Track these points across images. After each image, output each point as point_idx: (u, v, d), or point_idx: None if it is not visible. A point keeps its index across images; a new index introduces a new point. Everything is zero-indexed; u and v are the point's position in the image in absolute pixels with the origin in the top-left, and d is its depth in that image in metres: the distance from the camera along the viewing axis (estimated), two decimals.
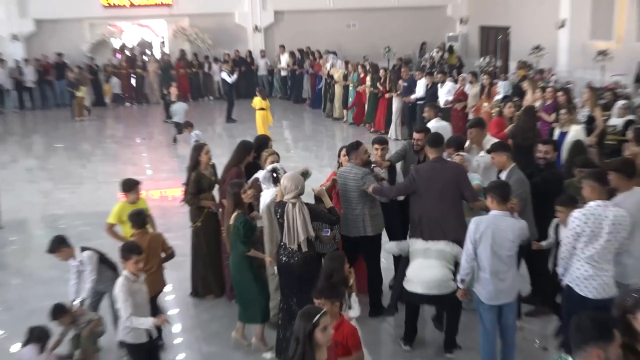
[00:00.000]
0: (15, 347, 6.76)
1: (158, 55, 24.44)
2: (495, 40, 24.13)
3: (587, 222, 5.36)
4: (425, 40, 25.14)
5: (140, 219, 6.75)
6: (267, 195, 6.92)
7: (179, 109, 16.89)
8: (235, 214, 6.57)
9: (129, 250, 5.48)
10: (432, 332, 7.01)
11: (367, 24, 25.15)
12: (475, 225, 5.71)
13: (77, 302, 6.37)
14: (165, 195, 12.48)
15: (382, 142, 7.93)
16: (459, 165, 7.06)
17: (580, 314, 3.58)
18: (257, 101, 15.86)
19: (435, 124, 10.33)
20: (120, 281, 5.42)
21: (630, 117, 10.47)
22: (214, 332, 7.22)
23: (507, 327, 5.90)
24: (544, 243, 6.44)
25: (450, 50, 24.13)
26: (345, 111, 19.14)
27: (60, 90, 22.32)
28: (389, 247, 7.13)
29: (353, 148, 7.38)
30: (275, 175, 6.97)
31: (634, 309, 3.78)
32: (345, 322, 4.80)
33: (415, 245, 6.58)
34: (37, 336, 6.20)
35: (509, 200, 5.78)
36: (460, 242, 6.33)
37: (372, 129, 17.34)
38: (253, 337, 6.74)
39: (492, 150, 7.26)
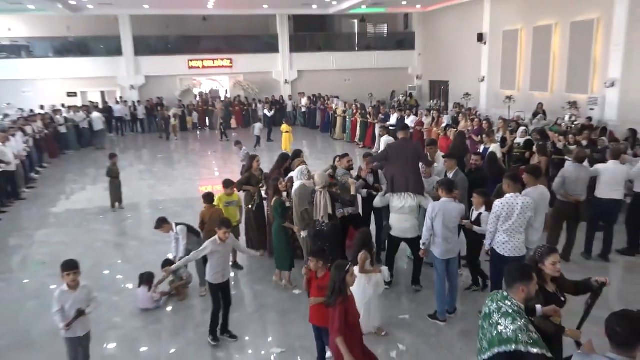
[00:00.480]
0: (133, 287, 6.89)
1: (223, 98, 24.52)
2: (439, 89, 24.27)
3: (504, 207, 5.43)
4: (394, 89, 25.42)
5: (209, 198, 6.97)
6: (296, 186, 6.93)
7: (256, 127, 18.27)
8: (275, 198, 6.74)
9: (221, 223, 5.40)
10: (405, 283, 6.98)
11: (357, 78, 25.30)
12: (432, 207, 5.75)
13: (176, 258, 6.38)
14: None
15: (367, 155, 8.08)
16: (417, 143, 6.92)
17: (509, 264, 3.65)
18: (284, 127, 16.31)
19: (384, 139, 10.96)
20: (211, 239, 5.39)
21: (528, 137, 10.51)
22: (260, 276, 7.27)
23: (452, 274, 5.92)
24: (476, 228, 6.12)
25: (410, 95, 24.30)
26: (343, 134, 19.36)
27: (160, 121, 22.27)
28: (375, 202, 6.97)
29: (340, 157, 7.75)
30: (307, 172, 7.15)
31: (542, 259, 3.83)
32: (327, 274, 4.44)
33: (393, 202, 6.55)
34: (146, 279, 6.45)
35: (453, 191, 5.84)
36: (414, 192, 6.49)
37: (361, 146, 17.50)
38: (284, 280, 6.87)
39: (446, 157, 7.31)
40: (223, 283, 5.52)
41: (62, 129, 18.31)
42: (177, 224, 6.54)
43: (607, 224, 7.57)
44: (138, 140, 21.33)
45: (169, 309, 6.48)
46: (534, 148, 9.47)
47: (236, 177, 8.32)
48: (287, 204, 6.81)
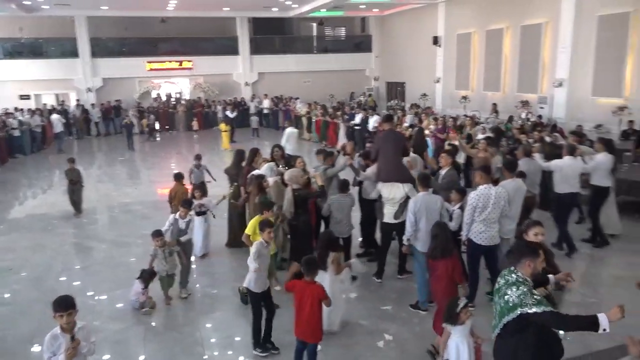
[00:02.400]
0: (109, 287, 6.69)
1: (184, 101, 23.99)
2: (396, 90, 24.69)
3: (480, 198, 5.53)
4: (353, 91, 25.73)
5: (178, 175, 7.89)
6: (271, 180, 6.97)
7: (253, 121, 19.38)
8: (259, 195, 6.51)
9: (265, 224, 5.08)
10: (385, 275, 6.87)
11: (317, 80, 25.32)
12: (414, 203, 5.72)
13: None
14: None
15: (319, 152, 7.80)
16: (402, 134, 7.00)
17: (516, 241, 3.75)
18: (223, 126, 17.12)
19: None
20: (257, 242, 5.02)
21: (488, 134, 10.59)
22: (244, 275, 6.76)
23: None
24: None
25: (370, 96, 24.70)
26: (310, 134, 19.38)
27: (119, 123, 21.60)
28: (367, 193, 7.03)
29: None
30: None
31: (526, 230, 4.10)
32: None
33: (384, 194, 6.52)
34: (146, 275, 6.14)
35: (429, 185, 5.90)
36: (401, 181, 6.50)
37: (324, 144, 17.37)
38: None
39: (444, 153, 7.31)
40: (266, 291, 5.10)
41: (16, 133, 17.45)
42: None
43: (562, 218, 7.66)
44: (97, 144, 20.61)
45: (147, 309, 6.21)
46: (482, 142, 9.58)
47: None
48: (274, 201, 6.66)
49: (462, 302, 4.06)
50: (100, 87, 22.92)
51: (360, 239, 7.74)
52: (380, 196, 6.65)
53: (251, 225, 5.81)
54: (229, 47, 24.73)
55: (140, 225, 9.36)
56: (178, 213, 6.37)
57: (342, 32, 28.65)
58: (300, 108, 20.76)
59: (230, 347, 5.40)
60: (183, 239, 6.33)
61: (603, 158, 7.71)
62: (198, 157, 9.52)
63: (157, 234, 6.15)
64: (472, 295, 5.57)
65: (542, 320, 3.08)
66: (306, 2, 20.34)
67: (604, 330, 2.92)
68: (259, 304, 5.06)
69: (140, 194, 12.16)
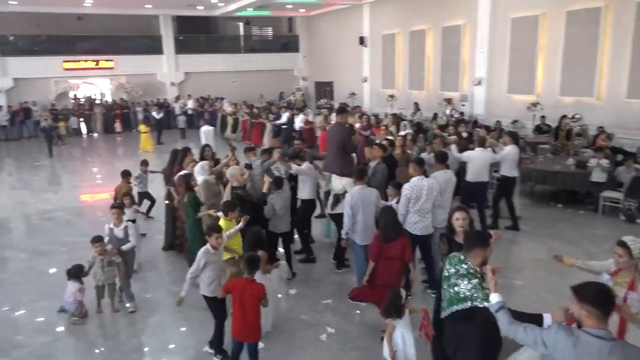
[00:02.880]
0: (31, 299, 6.27)
1: (99, 101, 22.96)
2: (324, 90, 24.88)
3: (413, 190, 5.70)
4: (282, 91, 25.63)
5: (124, 172, 7.63)
6: (200, 179, 6.88)
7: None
8: (188, 194, 6.36)
9: (212, 229, 4.87)
10: (323, 271, 7.08)
11: (245, 80, 24.99)
12: (350, 196, 5.76)
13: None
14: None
15: (248, 150, 7.93)
16: (346, 128, 6.94)
17: (468, 231, 3.85)
18: (142, 127, 16.75)
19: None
20: (202, 249, 4.79)
21: (408, 131, 11.38)
22: (176, 277, 6.74)
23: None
24: None
25: (302, 96, 24.85)
26: (232, 134, 18.78)
27: (31, 126, 20.65)
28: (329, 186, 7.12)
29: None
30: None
31: (451, 214, 4.30)
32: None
33: (335, 188, 6.73)
34: (74, 273, 5.78)
35: (364, 178, 5.95)
36: (339, 174, 6.67)
37: (250, 142, 17.03)
38: None
39: (375, 146, 7.55)
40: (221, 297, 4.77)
41: None
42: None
43: (478, 205, 8.07)
44: (6, 148, 19.18)
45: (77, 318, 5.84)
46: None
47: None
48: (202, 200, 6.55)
49: (403, 293, 4.16)
50: (11, 87, 21.41)
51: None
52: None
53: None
54: (153, 46, 23.91)
55: (64, 233, 8.85)
56: (112, 222, 5.95)
57: (269, 32, 28.58)
58: (226, 108, 20.52)
59: (168, 351, 5.21)
60: (125, 247, 5.91)
61: (511, 149, 8.22)
62: (144, 163, 9.19)
63: (97, 239, 5.74)
64: (408, 284, 5.64)
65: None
66: (232, 0, 20.07)
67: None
68: (215, 307, 4.85)
69: (62, 200, 11.46)
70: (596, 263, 4.02)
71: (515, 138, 8.46)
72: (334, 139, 6.95)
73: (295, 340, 5.27)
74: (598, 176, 8.99)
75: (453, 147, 8.19)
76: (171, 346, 5.29)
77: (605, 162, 9.06)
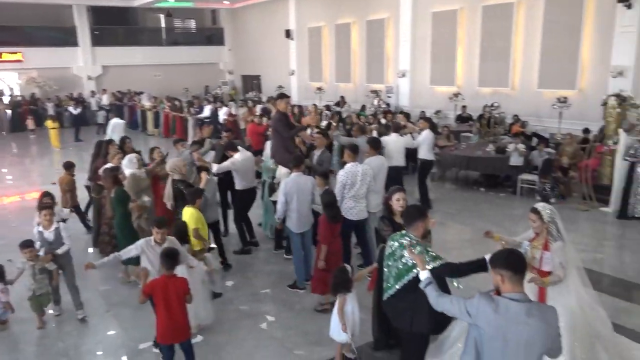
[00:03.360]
0: None
1: (7, 98, 21.23)
2: (251, 83, 24.66)
3: (348, 176, 5.77)
4: (208, 84, 24.98)
5: (67, 164, 7.42)
6: (127, 172, 6.59)
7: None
8: (116, 188, 6.10)
9: (156, 222, 4.67)
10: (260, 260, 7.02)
11: (168, 74, 24.16)
12: (284, 184, 5.76)
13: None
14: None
15: (176, 142, 7.94)
16: (280, 115, 6.90)
17: (407, 206, 3.93)
18: (49, 123, 15.95)
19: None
20: (144, 239, 4.70)
21: (329, 121, 11.26)
22: (103, 276, 6.40)
23: (308, 245, 6.01)
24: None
25: (233, 89, 24.56)
26: (155, 129, 18.53)
27: None
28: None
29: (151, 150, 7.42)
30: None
31: (390, 196, 4.40)
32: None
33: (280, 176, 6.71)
34: None
35: (301, 166, 5.93)
36: (279, 163, 6.74)
37: (174, 137, 16.23)
38: (132, 275, 6.21)
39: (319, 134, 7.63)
40: None
41: None
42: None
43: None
44: None
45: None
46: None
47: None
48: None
49: (348, 267, 4.28)
50: None
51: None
52: None
53: (190, 217, 5.32)
54: (67, 38, 22.49)
55: None
56: (40, 224, 5.31)
57: (192, 24, 27.77)
58: (145, 102, 19.82)
59: (98, 353, 4.93)
60: (61, 250, 5.30)
61: (427, 134, 8.66)
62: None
63: (27, 244, 5.17)
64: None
65: (440, 273, 3.36)
66: None
67: None
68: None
69: None
70: (518, 237, 4.32)
71: (430, 123, 8.89)
72: (274, 126, 6.97)
73: (234, 330, 5.18)
74: (516, 160, 9.58)
75: (374, 134, 8.34)
76: (101, 347, 5.01)
77: (522, 146, 9.66)
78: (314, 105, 14.60)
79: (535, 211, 3.91)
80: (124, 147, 7.79)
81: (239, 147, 7.00)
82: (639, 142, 8.14)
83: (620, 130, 8.46)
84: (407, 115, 10.47)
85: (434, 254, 3.43)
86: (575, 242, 5.96)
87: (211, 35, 26.86)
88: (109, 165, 6.92)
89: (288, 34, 20.85)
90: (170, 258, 4.00)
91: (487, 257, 3.28)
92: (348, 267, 4.32)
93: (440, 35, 14.80)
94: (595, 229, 7.98)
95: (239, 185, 7.01)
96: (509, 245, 4.03)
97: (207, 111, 16.36)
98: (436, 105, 14.87)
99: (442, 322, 3.60)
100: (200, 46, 25.94)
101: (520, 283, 2.65)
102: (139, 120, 20.18)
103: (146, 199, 6.36)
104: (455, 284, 3.69)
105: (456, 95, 14.05)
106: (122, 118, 19.81)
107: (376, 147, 6.57)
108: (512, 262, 2.64)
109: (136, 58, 23.70)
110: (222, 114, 15.66)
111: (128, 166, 6.88)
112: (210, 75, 25.57)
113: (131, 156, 7.19)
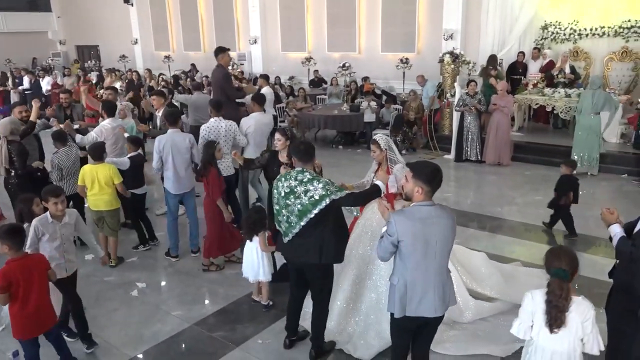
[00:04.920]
0: None
1: None
2: (89, 54, 22.36)
3: (211, 131, 5.79)
4: (36, 56, 21.98)
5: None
6: None
7: None
8: None
9: (46, 192, 3.90)
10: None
11: None
12: (158, 141, 5.28)
13: None
14: None
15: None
16: (224, 72, 6.89)
17: (296, 142, 4.28)
18: None
19: None
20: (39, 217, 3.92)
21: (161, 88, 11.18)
22: None
23: (190, 209, 5.61)
24: None
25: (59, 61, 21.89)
26: None
27: None
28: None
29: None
30: None
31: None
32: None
33: None
34: None
35: (178, 122, 5.49)
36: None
37: None
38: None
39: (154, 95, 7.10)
40: (66, 278, 3.91)
41: None
42: None
43: None
44: None
45: None
46: None
47: None
48: None
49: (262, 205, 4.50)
50: None
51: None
52: None
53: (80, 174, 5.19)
54: None
55: None
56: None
57: None
58: None
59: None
60: None
61: (267, 90, 8.45)
62: None
63: None
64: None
65: (345, 203, 3.44)
66: None
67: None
68: (65, 291, 3.97)
69: None
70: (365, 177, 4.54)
71: (267, 80, 8.99)
72: (215, 83, 6.89)
73: (103, 301, 4.78)
74: (369, 117, 10.13)
75: None
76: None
77: (374, 104, 10.22)
78: (147, 69, 13.75)
79: (375, 142, 4.18)
80: None
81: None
82: (467, 95, 9.12)
83: (456, 84, 9.39)
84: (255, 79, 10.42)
85: (336, 184, 3.51)
86: None
87: (35, 0, 23.59)
88: None
89: (126, 0, 19.21)
90: (14, 234, 3.34)
91: (378, 183, 3.52)
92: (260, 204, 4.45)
93: (289, 2, 14.86)
94: None
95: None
96: (361, 188, 4.11)
97: (26, 82, 14.79)
98: (290, 71, 15.01)
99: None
100: (22, 12, 22.58)
101: (431, 197, 2.87)
102: None
103: None
104: (355, 213, 3.96)
105: (308, 60, 14.32)
106: None
107: (261, 103, 6.43)
108: (435, 179, 2.84)
109: None
110: (45, 84, 14.47)
111: None
112: (39, 46, 22.63)
113: None
